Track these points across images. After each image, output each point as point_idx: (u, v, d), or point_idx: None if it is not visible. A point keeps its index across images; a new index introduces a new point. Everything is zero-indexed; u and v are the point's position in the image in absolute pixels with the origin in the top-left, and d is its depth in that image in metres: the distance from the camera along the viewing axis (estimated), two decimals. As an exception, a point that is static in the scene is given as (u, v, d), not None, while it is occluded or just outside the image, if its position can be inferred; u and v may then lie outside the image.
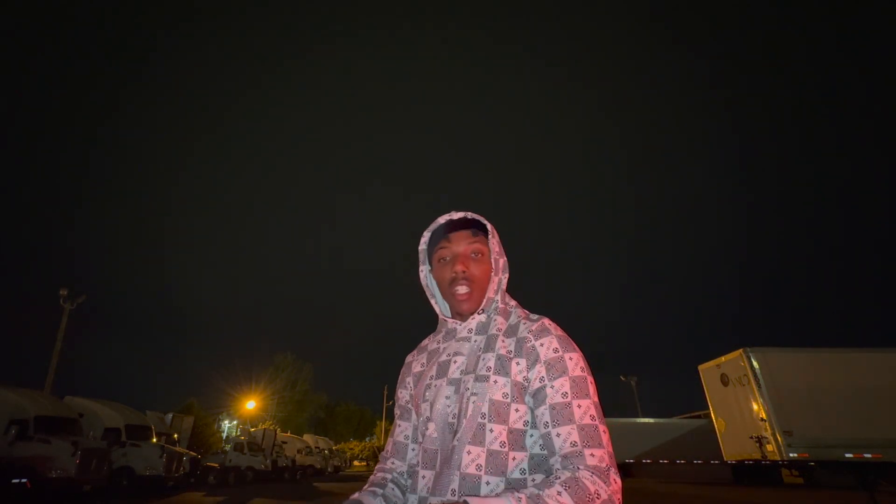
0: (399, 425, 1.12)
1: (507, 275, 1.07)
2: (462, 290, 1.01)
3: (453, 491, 0.84)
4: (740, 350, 12.51)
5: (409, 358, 1.18)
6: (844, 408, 11.38)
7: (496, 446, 0.86)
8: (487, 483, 0.83)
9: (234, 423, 40.25)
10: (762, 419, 11.54)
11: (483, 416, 0.88)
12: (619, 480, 0.79)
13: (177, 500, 10.69)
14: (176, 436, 17.41)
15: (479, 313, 1.03)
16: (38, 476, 8.96)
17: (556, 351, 0.92)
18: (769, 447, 11.35)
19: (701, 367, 14.46)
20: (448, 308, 1.12)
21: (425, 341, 1.18)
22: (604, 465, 0.79)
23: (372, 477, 1.05)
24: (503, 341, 0.97)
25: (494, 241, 1.06)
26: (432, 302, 1.13)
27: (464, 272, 1.01)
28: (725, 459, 13.52)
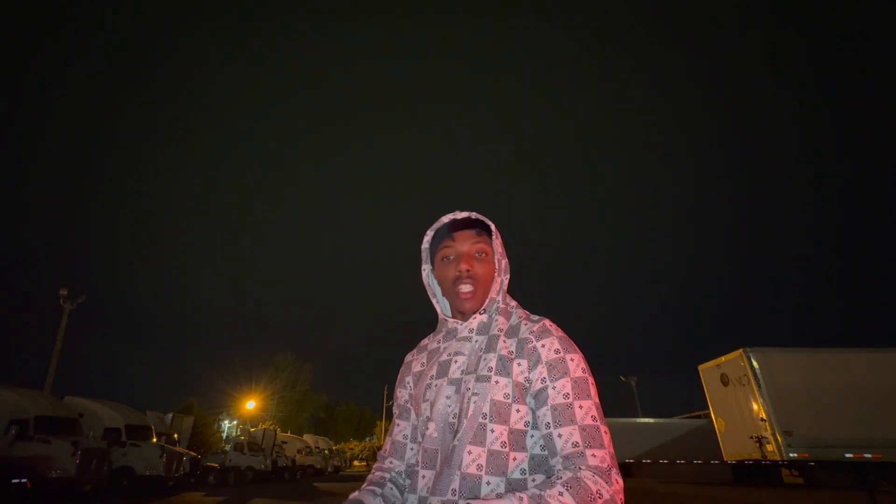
0: (398, 424, 1.11)
1: (508, 276, 1.07)
2: (466, 288, 1.01)
3: (454, 491, 0.84)
4: (740, 350, 12.52)
5: (408, 357, 1.18)
6: (844, 408, 11.39)
7: (497, 446, 0.86)
8: (488, 483, 0.83)
9: (234, 423, 40.26)
10: (762, 419, 11.55)
11: (484, 417, 0.88)
12: (620, 481, 0.79)
13: (177, 500, 10.69)
14: (176, 436, 17.40)
15: (480, 313, 1.03)
16: (38, 476, 8.96)
17: (557, 352, 0.92)
18: (769, 447, 11.35)
19: (701, 367, 14.47)
20: (448, 307, 1.12)
21: (425, 341, 1.18)
22: (605, 465, 0.79)
23: (370, 476, 1.05)
24: (504, 342, 0.97)
25: (498, 242, 1.06)
26: (433, 301, 1.13)
27: (468, 271, 1.01)
28: (725, 459, 13.52)
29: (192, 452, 15.57)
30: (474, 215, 1.07)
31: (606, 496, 0.74)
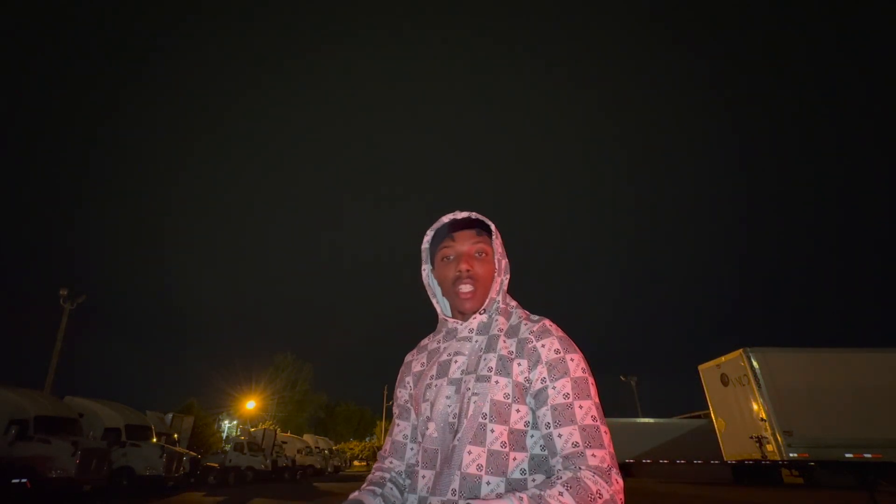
0: (398, 424, 1.11)
1: (508, 276, 1.07)
2: (466, 288, 1.01)
3: (454, 491, 0.84)
4: (740, 350, 12.51)
5: (408, 357, 1.18)
6: (844, 408, 11.39)
7: (497, 446, 0.86)
8: (488, 483, 0.83)
9: (234, 423, 40.25)
10: (762, 419, 11.54)
11: (484, 417, 0.88)
12: (620, 481, 0.79)
13: (177, 500, 10.68)
14: (176, 436, 17.40)
15: (480, 313, 1.03)
16: (38, 476, 8.96)
17: (557, 352, 0.92)
18: (769, 447, 11.35)
19: (701, 367, 14.47)
20: (448, 307, 1.12)
21: (425, 341, 1.18)
22: (605, 465, 0.79)
23: (370, 476, 1.05)
24: (504, 342, 0.97)
25: (498, 242, 1.06)
26: (433, 301, 1.13)
27: (468, 270, 1.01)
28: (725, 459, 13.52)
29: (192, 452, 15.57)
30: (474, 215, 1.07)
31: (606, 496, 0.74)
